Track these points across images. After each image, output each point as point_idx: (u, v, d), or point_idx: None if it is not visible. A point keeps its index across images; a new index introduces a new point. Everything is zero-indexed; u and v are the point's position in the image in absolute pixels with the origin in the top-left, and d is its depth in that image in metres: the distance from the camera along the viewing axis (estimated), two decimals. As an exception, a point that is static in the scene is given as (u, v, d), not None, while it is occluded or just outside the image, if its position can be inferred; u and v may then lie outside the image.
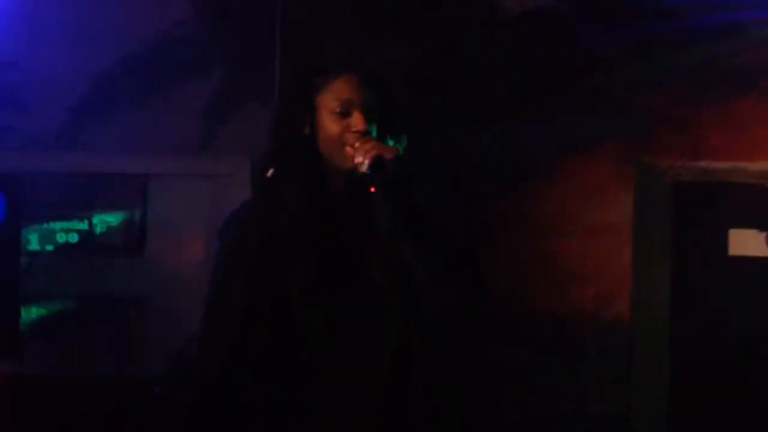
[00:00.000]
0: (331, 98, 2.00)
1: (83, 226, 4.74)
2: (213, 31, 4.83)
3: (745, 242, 4.25)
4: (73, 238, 4.72)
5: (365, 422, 1.95)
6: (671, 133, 4.24)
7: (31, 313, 4.35)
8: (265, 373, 1.92)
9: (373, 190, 1.91)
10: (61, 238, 4.70)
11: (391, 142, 2.00)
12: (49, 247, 4.65)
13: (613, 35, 4.13)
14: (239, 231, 2.03)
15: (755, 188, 4.23)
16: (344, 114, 1.98)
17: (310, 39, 4.36)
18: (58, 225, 4.72)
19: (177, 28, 4.81)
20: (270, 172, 2.06)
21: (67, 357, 4.49)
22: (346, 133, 1.97)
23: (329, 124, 2.00)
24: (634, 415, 4.13)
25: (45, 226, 4.70)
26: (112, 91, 4.72)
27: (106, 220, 4.77)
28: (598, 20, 4.20)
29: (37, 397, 4.04)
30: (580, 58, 4.20)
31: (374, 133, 1.99)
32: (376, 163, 1.89)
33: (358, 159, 1.93)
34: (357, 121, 1.98)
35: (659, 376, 4.12)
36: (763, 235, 4.24)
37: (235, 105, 4.81)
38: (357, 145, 1.94)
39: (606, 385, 4.19)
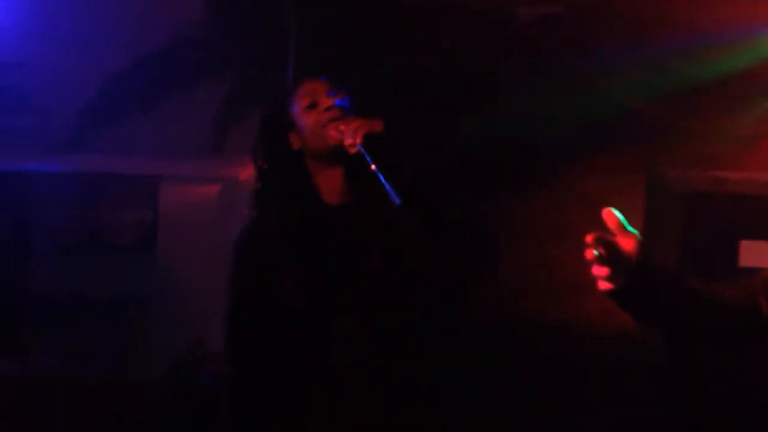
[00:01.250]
0: (298, 101, 2.13)
1: (93, 226, 4.76)
2: (225, 33, 4.84)
3: (755, 253, 4.22)
4: (83, 238, 4.74)
5: (374, 413, 1.99)
6: (682, 143, 4.21)
7: (38, 313, 4.36)
8: (282, 375, 1.97)
9: (373, 167, 1.95)
10: (70, 238, 4.72)
11: None
12: (58, 248, 4.67)
13: (625, 45, 4.11)
14: (247, 248, 2.11)
15: (766, 199, 4.19)
16: (314, 105, 2.11)
17: (319, 45, 4.36)
18: (67, 225, 4.74)
19: (189, 31, 4.82)
20: (249, 209, 2.14)
21: (73, 357, 4.51)
22: (319, 116, 2.08)
23: (306, 119, 2.14)
24: (633, 427, 4.09)
25: (54, 226, 4.72)
26: (124, 92, 4.74)
27: (115, 221, 4.79)
28: (610, 29, 4.18)
29: (41, 397, 4.06)
30: (591, 67, 4.18)
31: (347, 111, 2.08)
32: (368, 138, 1.96)
33: (349, 141, 2.00)
34: (324, 101, 2.10)
35: (659, 388, 4.09)
36: (773, 246, 4.20)
37: (246, 108, 4.81)
38: (342, 127, 2.01)
39: (606, 398, 4.16)
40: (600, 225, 1.57)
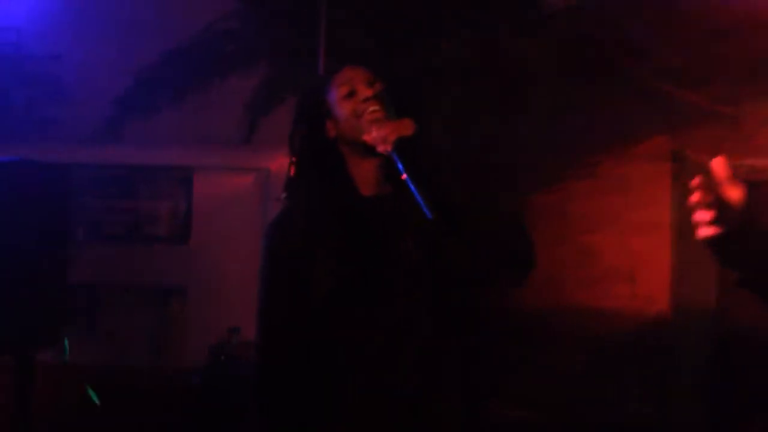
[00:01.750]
0: (336, 88, 2.09)
1: (128, 217, 4.81)
2: (256, 23, 4.86)
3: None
4: (119, 229, 4.79)
5: (402, 405, 1.98)
6: (717, 129, 4.17)
7: (77, 302, 4.42)
8: (312, 365, 1.96)
9: (404, 176, 1.92)
10: (107, 228, 4.78)
11: None
12: (96, 238, 4.73)
13: (658, 31, 4.07)
14: (279, 237, 2.09)
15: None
16: (352, 93, 2.07)
17: (350, 35, 4.36)
18: (104, 216, 4.79)
19: (221, 22, 4.84)
20: (283, 196, 2.12)
21: (110, 346, 4.57)
22: (357, 106, 2.05)
23: (343, 109, 2.09)
24: (674, 417, 4.07)
25: (92, 216, 4.77)
26: (157, 84, 4.78)
27: (150, 212, 4.83)
28: (643, 16, 4.14)
29: (80, 385, 4.11)
30: (624, 54, 4.14)
31: (385, 101, 2.05)
32: (399, 144, 1.94)
33: (381, 148, 1.97)
34: (363, 90, 2.06)
35: (701, 377, 4.06)
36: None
37: (279, 98, 4.83)
38: (374, 133, 1.99)
39: (646, 386, 4.14)
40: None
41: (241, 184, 4.86)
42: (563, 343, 4.13)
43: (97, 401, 3.74)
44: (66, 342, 3.87)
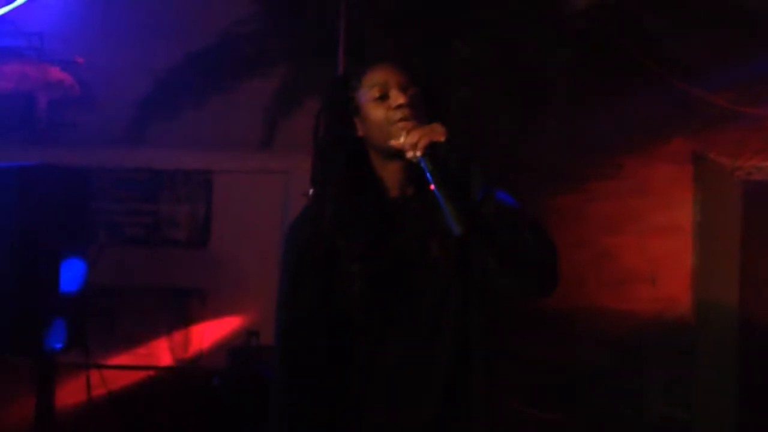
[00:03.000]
0: (368, 89, 2.03)
1: (148, 220, 4.83)
2: (277, 27, 4.87)
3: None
4: (139, 231, 4.81)
5: (428, 409, 1.95)
6: (742, 131, 4.13)
7: (98, 304, 4.44)
8: (333, 367, 1.93)
9: (432, 187, 1.87)
10: (127, 231, 4.80)
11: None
12: (115, 241, 4.75)
13: (681, 30, 4.04)
14: (302, 236, 2.04)
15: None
16: (384, 97, 2.01)
17: (371, 38, 4.36)
18: (124, 219, 4.81)
19: (240, 25, 4.86)
20: (310, 192, 2.07)
21: (132, 348, 4.58)
22: (389, 112, 1.99)
23: (374, 112, 2.03)
24: (698, 420, 4.04)
25: (112, 219, 4.79)
26: (178, 87, 4.80)
27: (170, 215, 4.85)
28: (666, 15, 4.11)
29: (102, 386, 4.13)
30: (646, 54, 4.11)
31: (417, 108, 2.00)
32: (429, 151, 1.88)
33: (410, 154, 1.92)
34: (396, 96, 2.00)
35: (725, 379, 4.02)
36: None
37: (298, 101, 4.83)
38: (402, 140, 1.94)
39: (668, 388, 4.11)
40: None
41: (262, 187, 4.87)
42: (586, 343, 4.10)
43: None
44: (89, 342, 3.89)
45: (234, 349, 4.14)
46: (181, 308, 4.71)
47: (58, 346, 3.72)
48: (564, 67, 4.23)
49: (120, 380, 4.24)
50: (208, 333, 4.62)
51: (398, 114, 1.98)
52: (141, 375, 4.27)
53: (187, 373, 4.31)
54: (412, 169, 1.98)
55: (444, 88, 2.12)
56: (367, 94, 2.03)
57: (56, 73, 4.62)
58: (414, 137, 1.92)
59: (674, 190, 4.16)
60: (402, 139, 1.95)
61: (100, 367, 4.23)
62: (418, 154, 1.90)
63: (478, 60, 4.30)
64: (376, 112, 2.02)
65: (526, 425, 3.77)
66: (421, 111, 2.01)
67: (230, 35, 4.89)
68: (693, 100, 4.16)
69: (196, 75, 4.82)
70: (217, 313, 4.66)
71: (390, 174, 2.04)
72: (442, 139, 1.90)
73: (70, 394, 4.00)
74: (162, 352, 4.61)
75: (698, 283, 4.10)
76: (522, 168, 4.05)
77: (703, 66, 4.13)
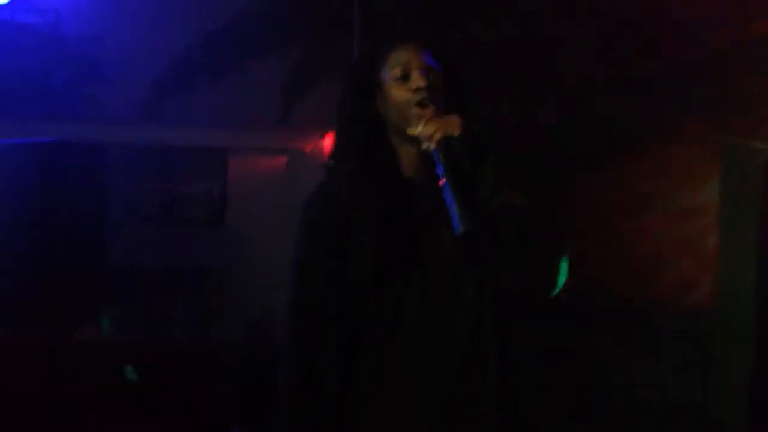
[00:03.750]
0: (390, 68, 2.02)
1: (165, 198, 4.84)
2: (291, 8, 4.85)
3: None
4: (155, 210, 4.82)
5: (444, 386, 1.95)
6: (765, 113, 4.08)
7: (113, 282, 4.45)
8: (344, 334, 1.94)
9: (442, 181, 1.87)
10: (143, 209, 4.81)
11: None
12: (132, 219, 4.76)
13: (701, 11, 4.00)
14: (318, 209, 2.04)
15: None
16: (405, 78, 1.99)
17: (385, 15, 4.33)
18: (140, 197, 4.82)
19: (257, 5, 4.84)
20: (330, 162, 2.07)
21: (147, 325, 4.60)
22: (408, 94, 1.98)
23: (394, 92, 2.01)
24: (714, 404, 4.02)
25: (128, 197, 4.80)
26: (193, 66, 4.79)
27: (185, 193, 4.86)
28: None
29: (118, 364, 4.14)
30: (669, 34, 4.08)
31: (437, 93, 2.00)
32: (444, 144, 1.88)
33: (424, 145, 1.92)
34: (417, 79, 1.98)
35: (741, 364, 4.00)
36: None
37: (312, 80, 4.83)
38: (420, 128, 1.94)
39: (685, 372, 4.10)
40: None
41: (276, 166, 4.87)
42: (606, 327, 4.09)
43: (134, 378, 3.76)
44: (107, 319, 3.89)
45: (250, 325, 4.15)
46: (198, 285, 4.73)
47: (74, 321, 3.73)
48: (582, 48, 4.20)
49: (137, 357, 4.25)
50: (225, 309, 4.64)
51: (417, 97, 1.97)
52: (158, 352, 4.28)
53: (204, 349, 4.31)
54: (428, 153, 1.98)
55: (468, 74, 2.11)
56: (389, 73, 2.01)
57: (72, 49, 4.62)
58: (430, 129, 1.91)
59: (698, 173, 4.12)
60: (419, 129, 1.95)
61: (116, 344, 4.24)
62: (432, 147, 1.90)
63: (496, 42, 4.28)
64: (396, 93, 2.00)
65: (549, 404, 3.76)
66: (440, 96, 2.00)
67: (246, 15, 4.88)
68: (717, 82, 4.12)
69: (211, 54, 4.81)
70: (233, 289, 4.67)
71: (407, 154, 2.03)
72: (457, 133, 1.90)
73: (84, 371, 4.00)
74: (179, 329, 4.63)
75: (719, 269, 4.07)
76: (541, 150, 4.03)
77: (726, 48, 4.09)
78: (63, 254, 3.76)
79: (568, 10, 4.22)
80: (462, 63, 2.09)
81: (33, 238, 3.72)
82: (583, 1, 4.23)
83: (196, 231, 4.78)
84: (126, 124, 4.70)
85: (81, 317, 3.87)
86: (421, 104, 1.94)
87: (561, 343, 3.98)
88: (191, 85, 4.80)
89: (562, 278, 1.90)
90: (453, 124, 1.89)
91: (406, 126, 1.98)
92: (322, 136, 4.74)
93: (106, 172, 4.16)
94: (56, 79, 4.71)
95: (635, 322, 4.09)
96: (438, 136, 1.88)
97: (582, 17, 4.23)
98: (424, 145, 1.90)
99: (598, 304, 4.07)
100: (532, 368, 2.07)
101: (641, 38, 4.12)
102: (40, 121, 4.56)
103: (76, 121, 4.60)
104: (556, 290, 1.89)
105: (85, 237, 3.93)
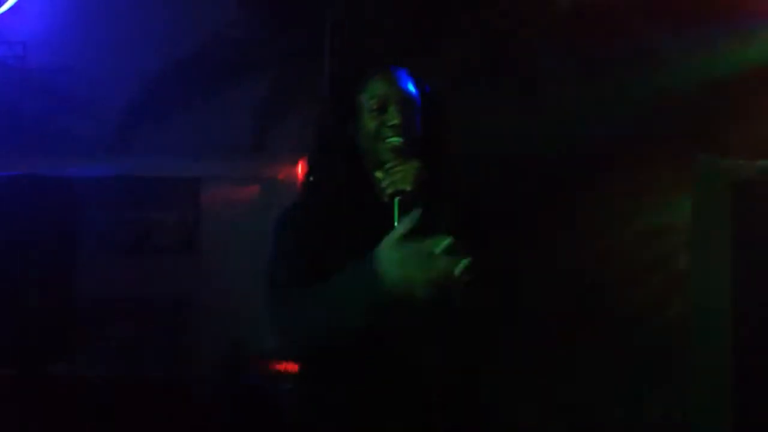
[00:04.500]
0: (368, 98, 2.04)
1: (137, 228, 4.80)
2: (264, 33, 4.84)
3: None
4: (127, 240, 4.77)
5: (415, 399, 1.93)
6: (733, 131, 4.10)
7: (85, 314, 4.40)
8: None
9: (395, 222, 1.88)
10: (116, 240, 4.76)
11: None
12: (104, 250, 4.71)
13: (671, 31, 4.02)
14: (291, 215, 2.05)
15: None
16: (381, 110, 2.02)
17: (357, 40, 4.33)
18: (112, 227, 4.78)
19: (228, 31, 4.83)
20: (305, 181, 2.08)
21: (120, 357, 4.54)
22: (382, 128, 2.01)
23: (368, 123, 2.05)
24: (693, 423, 4.00)
25: (101, 228, 4.76)
26: (164, 94, 4.77)
27: (158, 223, 4.82)
28: (656, 17, 4.09)
29: (90, 397, 4.09)
30: (637, 55, 4.09)
31: (417, 126, 2.01)
32: (395, 199, 1.90)
33: (383, 185, 1.94)
34: (392, 114, 2.00)
35: (720, 383, 3.98)
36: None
37: (286, 107, 4.81)
38: (381, 176, 1.96)
39: (663, 390, 4.08)
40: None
41: (249, 194, 4.84)
42: (580, 346, 4.08)
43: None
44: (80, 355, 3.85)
45: (223, 358, 4.10)
46: (171, 316, 4.68)
47: (46, 356, 3.69)
48: (558, 67, 4.20)
49: (108, 390, 4.20)
50: (197, 341, 4.59)
51: (390, 133, 2.00)
52: (130, 384, 4.23)
53: (178, 381, 4.27)
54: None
55: (444, 104, 2.12)
56: (366, 102, 2.05)
57: (41, 81, 4.60)
58: (386, 180, 1.94)
59: (670, 191, 4.12)
60: (380, 175, 1.98)
61: (87, 377, 4.19)
62: (386, 199, 1.93)
63: (470, 60, 4.28)
64: (370, 123, 2.04)
65: (520, 424, 3.74)
66: (414, 128, 2.03)
67: (218, 41, 4.86)
68: (686, 100, 4.13)
69: (183, 81, 4.79)
70: (207, 319, 4.62)
71: (376, 179, 2.04)
72: (409, 188, 1.90)
73: (55, 404, 3.95)
74: (152, 361, 4.57)
75: (692, 286, 4.07)
76: (512, 170, 4.02)
77: (695, 67, 4.10)
78: (32, 288, 3.72)
79: (544, 29, 4.24)
80: (439, 89, 2.09)
81: (1, 274, 3.69)
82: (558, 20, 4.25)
83: (169, 260, 4.74)
84: (98, 154, 4.67)
85: (53, 351, 3.83)
86: (391, 146, 1.96)
87: (537, 361, 3.96)
88: (163, 114, 4.78)
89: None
90: (407, 178, 1.93)
91: (374, 156, 2.00)
92: (296, 164, 4.71)
93: (77, 204, 4.13)
94: (26, 111, 4.68)
95: (610, 338, 4.09)
96: (389, 191, 1.90)
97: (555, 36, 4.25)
98: (382, 185, 1.93)
99: (574, 322, 4.06)
100: (503, 389, 2.05)
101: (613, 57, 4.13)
102: (8, 155, 4.52)
103: (47, 154, 4.57)
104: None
105: (54, 271, 3.90)
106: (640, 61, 4.09)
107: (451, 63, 4.23)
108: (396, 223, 1.86)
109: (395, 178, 1.93)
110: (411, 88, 2.03)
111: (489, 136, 4.05)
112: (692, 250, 4.01)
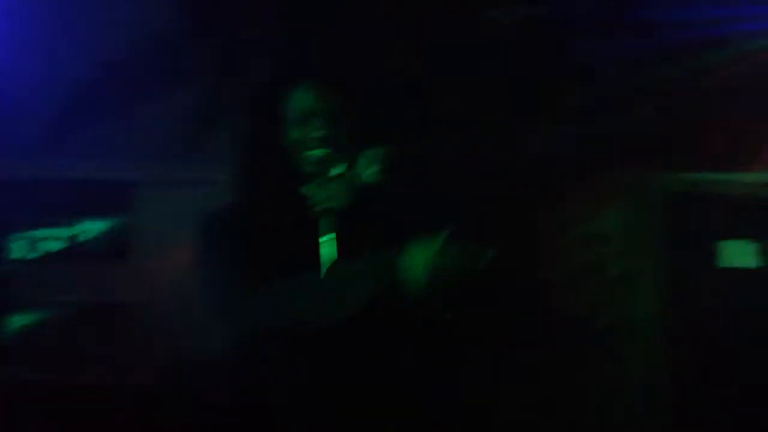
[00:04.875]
0: (292, 107, 2.05)
1: (68, 233, 4.70)
2: (203, 37, 4.80)
3: (735, 254, 4.27)
4: (58, 245, 4.67)
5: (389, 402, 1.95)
6: (663, 144, 4.24)
7: (16, 321, 4.30)
8: None
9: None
10: (45, 245, 4.66)
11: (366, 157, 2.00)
12: (34, 255, 4.61)
13: (606, 46, 4.13)
14: (220, 226, 2.06)
15: (746, 200, 4.24)
16: (304, 121, 2.04)
17: (279, 49, 4.34)
18: (42, 232, 4.67)
19: (161, 34, 4.78)
20: (236, 186, 2.10)
21: (53, 365, 4.45)
22: (307, 139, 2.02)
23: (293, 132, 2.05)
24: (631, 426, 4.12)
25: (29, 233, 4.65)
26: (98, 97, 4.68)
27: (91, 228, 4.73)
28: (591, 32, 4.20)
29: (23, 405, 4.00)
30: (572, 69, 4.19)
31: (342, 137, 2.03)
32: (321, 215, 1.93)
33: (311, 202, 1.97)
34: (315, 127, 2.03)
35: (653, 386, 4.11)
36: (752, 246, 4.25)
37: (222, 112, 4.78)
38: (307, 192, 1.98)
39: (600, 395, 4.18)
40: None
41: (184, 199, 4.78)
42: (515, 345, 4.14)
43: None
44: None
45: (161, 365, 4.05)
46: (104, 323, 4.59)
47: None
48: (489, 83, 4.28)
49: (42, 397, 4.11)
50: (134, 348, 4.51)
51: (312, 145, 2.02)
52: (65, 392, 4.14)
53: (112, 390, 4.19)
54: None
55: (376, 105, 2.14)
56: (292, 110, 2.06)
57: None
58: (316, 197, 1.97)
59: (604, 201, 4.24)
60: (309, 190, 2.00)
61: (18, 385, 4.09)
62: (313, 216, 1.95)
63: (402, 78, 4.31)
64: (295, 133, 2.05)
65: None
66: (342, 140, 2.04)
67: (151, 44, 4.80)
68: (617, 115, 4.25)
69: (117, 85, 4.72)
70: (142, 327, 4.55)
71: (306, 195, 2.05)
72: (336, 206, 1.91)
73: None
74: (84, 369, 4.48)
75: (625, 294, 4.19)
76: (457, 178, 4.06)
77: (628, 82, 4.23)
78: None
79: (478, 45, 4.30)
80: (371, 93, 2.10)
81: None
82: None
83: (102, 266, 4.66)
84: (28, 158, 4.56)
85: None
86: (315, 159, 1.98)
87: (477, 359, 4.01)
88: (95, 119, 4.69)
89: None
90: (334, 196, 1.97)
91: (299, 165, 2.01)
92: (230, 169, 4.68)
93: (7, 210, 4.03)
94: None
95: (548, 341, 4.17)
96: (317, 208, 1.92)
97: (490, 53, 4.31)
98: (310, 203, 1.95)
99: (511, 323, 4.13)
100: (451, 391, 2.08)
101: (548, 72, 4.22)
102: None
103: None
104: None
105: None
106: (576, 75, 4.19)
107: (402, 76, 4.26)
108: (321, 239, 1.88)
109: (322, 196, 1.94)
110: (336, 90, 2.04)
111: (428, 149, 4.10)
112: (625, 259, 4.13)
